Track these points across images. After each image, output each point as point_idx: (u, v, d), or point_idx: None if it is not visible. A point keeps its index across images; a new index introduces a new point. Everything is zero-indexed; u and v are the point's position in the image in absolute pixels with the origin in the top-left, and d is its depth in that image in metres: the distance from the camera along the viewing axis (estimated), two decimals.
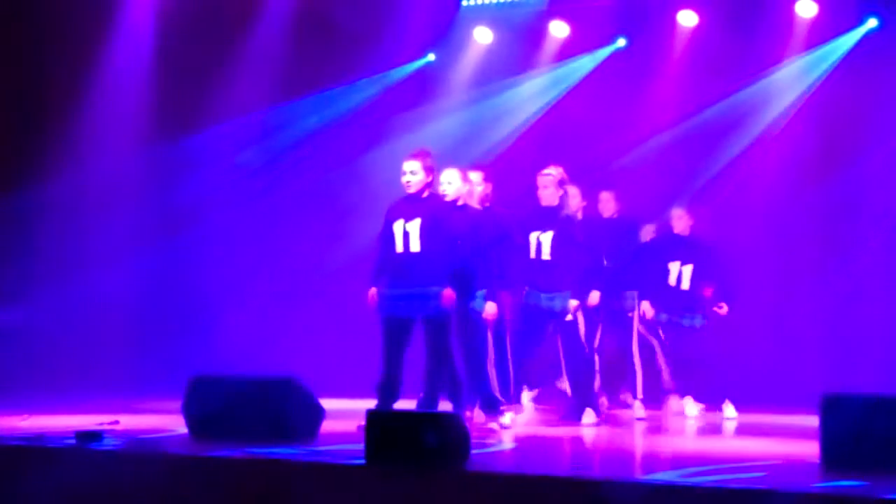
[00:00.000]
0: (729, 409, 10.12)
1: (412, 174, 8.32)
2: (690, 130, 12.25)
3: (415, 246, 8.22)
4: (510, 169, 11.55)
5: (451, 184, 8.77)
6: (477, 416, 8.82)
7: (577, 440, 8.21)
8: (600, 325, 9.73)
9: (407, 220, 8.26)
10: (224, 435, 7.30)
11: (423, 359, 8.51)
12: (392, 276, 8.31)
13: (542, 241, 9.04)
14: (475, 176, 9.05)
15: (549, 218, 9.08)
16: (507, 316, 9.03)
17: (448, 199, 8.72)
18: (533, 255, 9.05)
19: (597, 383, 9.56)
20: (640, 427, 9.36)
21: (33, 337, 11.39)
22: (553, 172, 9.08)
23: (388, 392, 8.19)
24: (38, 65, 11.88)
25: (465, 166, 9.21)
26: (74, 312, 11.55)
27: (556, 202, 9.06)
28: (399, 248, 8.26)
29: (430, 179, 8.38)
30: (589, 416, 9.04)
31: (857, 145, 11.53)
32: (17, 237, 11.44)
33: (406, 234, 8.24)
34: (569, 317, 9.01)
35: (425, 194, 8.37)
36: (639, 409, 9.91)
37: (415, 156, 8.36)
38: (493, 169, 9.79)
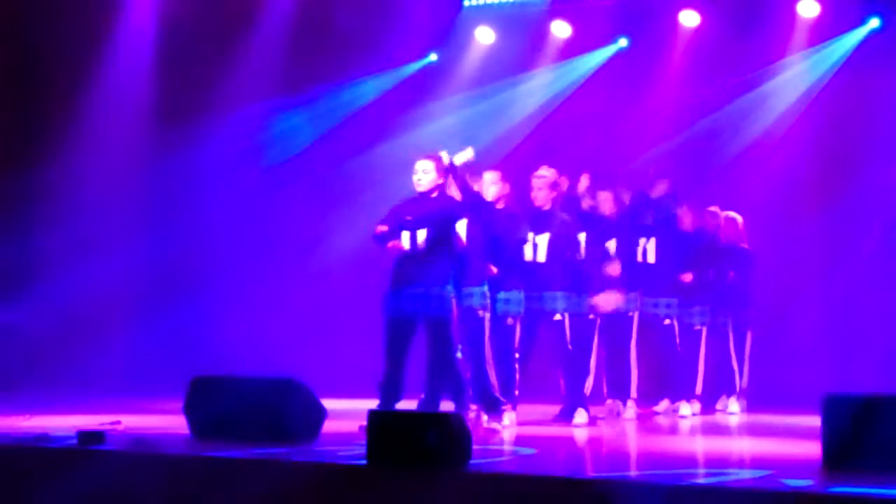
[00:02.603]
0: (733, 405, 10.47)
1: (424, 173, 8.30)
2: (693, 131, 12.25)
3: (422, 243, 8.21)
4: (512, 168, 11.53)
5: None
6: (478, 416, 8.81)
7: (573, 441, 8.21)
8: (598, 324, 9.71)
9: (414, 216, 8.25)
10: (226, 435, 7.30)
11: (425, 359, 8.50)
12: (396, 275, 8.30)
13: (538, 244, 9.09)
14: (491, 176, 9.03)
15: (545, 220, 9.11)
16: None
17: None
18: (529, 257, 9.08)
19: (589, 384, 9.55)
20: (638, 427, 9.36)
21: (34, 337, 11.40)
22: (546, 174, 9.12)
23: (390, 392, 8.18)
24: (40, 63, 11.90)
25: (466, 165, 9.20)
26: (75, 312, 11.55)
27: (548, 205, 9.14)
28: (406, 245, 8.26)
29: (441, 181, 8.36)
30: (580, 416, 9.05)
31: (860, 146, 11.53)
32: (17, 237, 11.45)
33: (414, 232, 8.23)
34: (557, 316, 9.03)
35: (434, 194, 8.36)
36: (631, 410, 9.90)
37: (429, 156, 8.34)
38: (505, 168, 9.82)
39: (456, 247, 8.49)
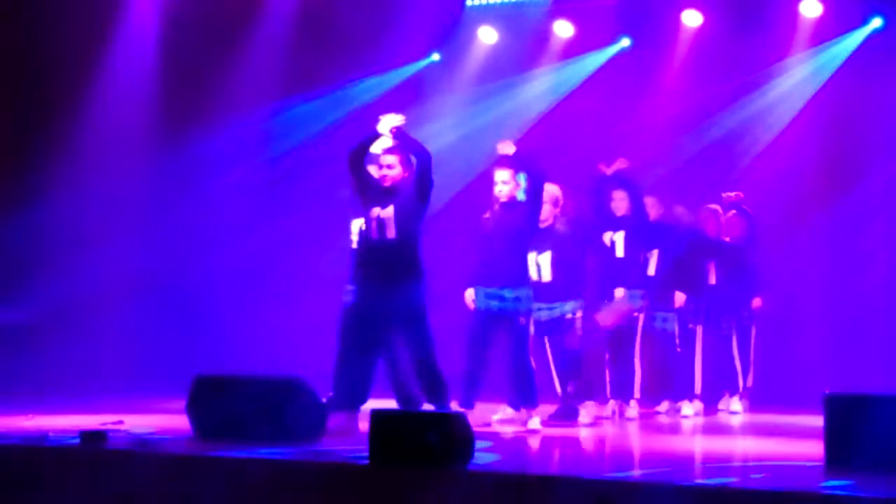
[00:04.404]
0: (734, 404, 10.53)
1: (388, 168, 8.14)
2: (695, 131, 12.25)
3: (390, 233, 8.01)
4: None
5: None
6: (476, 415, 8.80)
7: (576, 440, 8.21)
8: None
9: (383, 207, 8.07)
10: (228, 435, 7.30)
11: (392, 361, 8.47)
12: (365, 266, 8.11)
13: (541, 263, 9.10)
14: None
15: (546, 237, 9.09)
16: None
17: None
18: (535, 277, 9.04)
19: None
20: (641, 427, 9.36)
21: (36, 336, 11.40)
22: (550, 189, 9.04)
23: (347, 391, 8.05)
24: (41, 64, 11.89)
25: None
26: (77, 312, 11.55)
27: (550, 220, 9.11)
28: (374, 234, 8.07)
29: (405, 175, 8.18)
30: (584, 415, 9.05)
31: (863, 145, 11.54)
32: (18, 237, 11.45)
33: (381, 221, 8.02)
34: (569, 315, 9.04)
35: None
36: (633, 409, 9.90)
37: (392, 151, 8.18)
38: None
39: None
